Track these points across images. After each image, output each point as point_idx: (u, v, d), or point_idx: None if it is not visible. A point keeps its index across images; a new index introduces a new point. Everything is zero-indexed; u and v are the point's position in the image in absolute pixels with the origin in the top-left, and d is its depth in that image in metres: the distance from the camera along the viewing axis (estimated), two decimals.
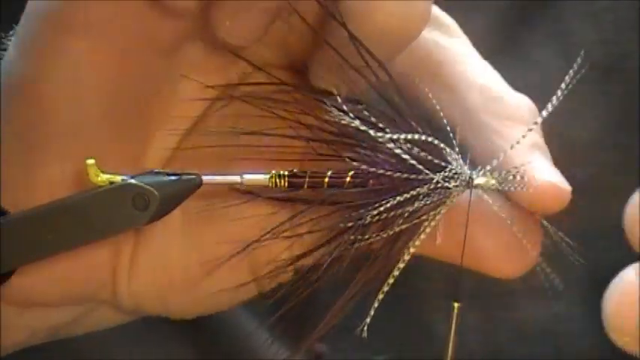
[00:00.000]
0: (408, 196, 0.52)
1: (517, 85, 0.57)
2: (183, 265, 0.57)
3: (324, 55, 0.53)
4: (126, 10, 0.51)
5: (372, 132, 0.51)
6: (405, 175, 0.52)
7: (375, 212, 0.52)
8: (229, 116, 0.57)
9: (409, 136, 0.52)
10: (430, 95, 0.54)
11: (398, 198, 0.52)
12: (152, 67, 0.54)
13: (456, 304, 0.53)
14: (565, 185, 0.53)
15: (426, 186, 0.52)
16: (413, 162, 0.52)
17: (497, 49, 0.73)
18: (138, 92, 0.54)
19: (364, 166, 0.52)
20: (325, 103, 0.52)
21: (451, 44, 0.57)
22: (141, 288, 0.57)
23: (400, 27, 0.50)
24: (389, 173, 0.52)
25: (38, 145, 0.53)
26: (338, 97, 0.52)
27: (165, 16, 0.51)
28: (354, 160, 0.53)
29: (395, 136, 0.52)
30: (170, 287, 0.57)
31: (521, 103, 0.56)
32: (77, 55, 0.52)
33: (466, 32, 0.59)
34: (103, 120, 0.54)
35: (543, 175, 0.53)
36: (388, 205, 0.52)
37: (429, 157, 0.52)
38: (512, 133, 0.54)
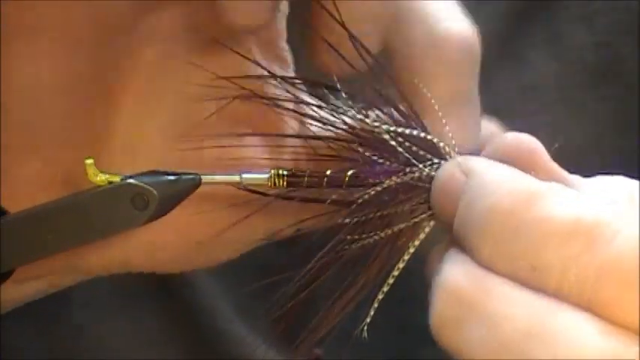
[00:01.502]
0: (405, 179, 0.51)
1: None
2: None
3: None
4: (72, 4, 0.50)
5: (368, 121, 0.52)
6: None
7: (373, 209, 0.52)
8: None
9: (407, 131, 0.52)
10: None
11: (394, 179, 0.51)
12: (110, 47, 0.52)
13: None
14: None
15: (424, 178, 0.52)
16: (408, 155, 0.52)
17: (492, 52, 0.73)
18: (96, 76, 0.53)
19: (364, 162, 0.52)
20: (323, 97, 0.53)
21: None
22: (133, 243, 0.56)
23: None
24: (387, 164, 0.52)
25: (9, 147, 0.52)
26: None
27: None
28: (352, 159, 0.53)
29: (392, 128, 0.52)
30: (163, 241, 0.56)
31: (462, 45, 0.54)
32: (31, 57, 0.50)
33: None
34: (64, 111, 0.52)
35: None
36: (385, 185, 0.51)
37: (428, 155, 0.52)
38: (441, 88, 0.53)
